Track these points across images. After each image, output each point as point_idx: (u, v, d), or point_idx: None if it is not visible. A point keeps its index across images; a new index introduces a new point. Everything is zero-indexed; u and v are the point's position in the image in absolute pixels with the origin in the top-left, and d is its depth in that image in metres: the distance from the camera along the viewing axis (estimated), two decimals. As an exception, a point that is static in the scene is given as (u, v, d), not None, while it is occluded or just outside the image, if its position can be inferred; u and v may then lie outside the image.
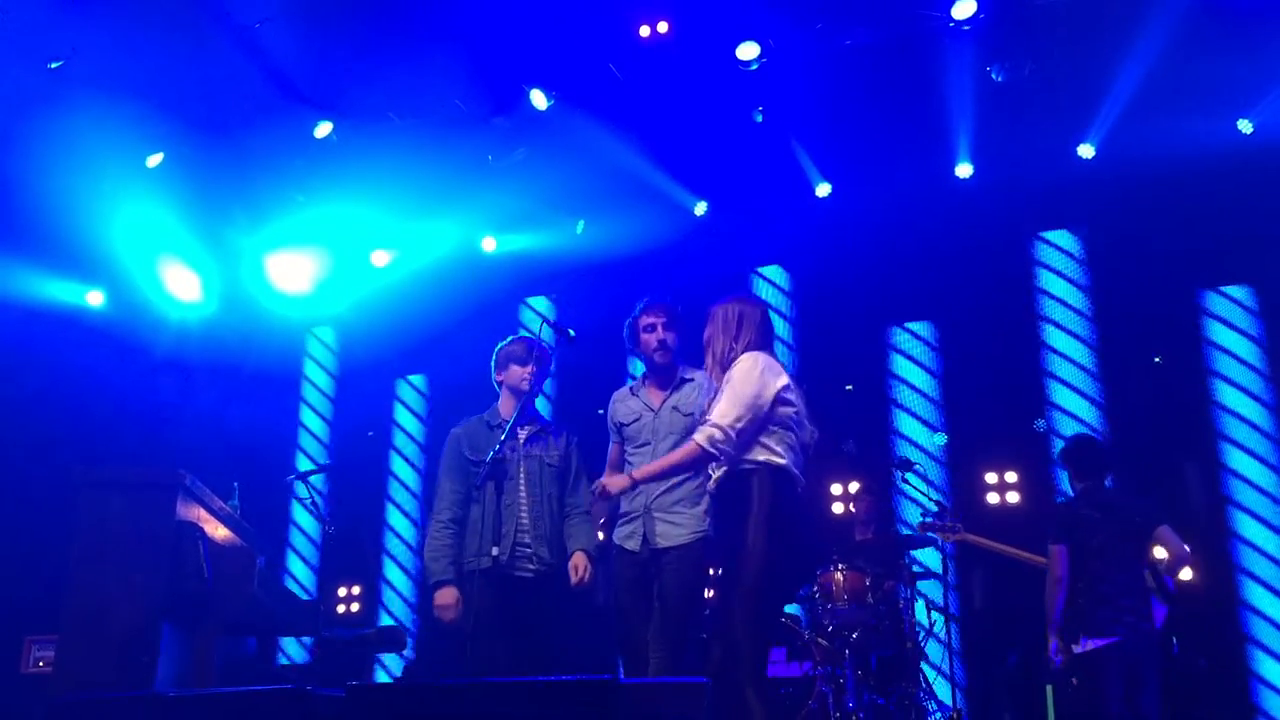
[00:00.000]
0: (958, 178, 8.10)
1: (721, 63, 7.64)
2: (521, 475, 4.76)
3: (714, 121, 8.07)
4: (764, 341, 4.14)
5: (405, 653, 8.30)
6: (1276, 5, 6.93)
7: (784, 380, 4.01)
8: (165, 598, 4.27)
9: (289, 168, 8.63)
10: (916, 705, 6.35)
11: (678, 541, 4.56)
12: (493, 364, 4.96)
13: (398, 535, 9.26)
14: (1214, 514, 7.45)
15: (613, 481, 4.19)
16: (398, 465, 9.44)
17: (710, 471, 4.06)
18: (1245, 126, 7.45)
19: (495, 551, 4.46)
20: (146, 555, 4.27)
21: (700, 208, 8.74)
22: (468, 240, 9.09)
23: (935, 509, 6.63)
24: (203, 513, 4.59)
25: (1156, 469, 7.42)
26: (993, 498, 7.97)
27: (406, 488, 9.37)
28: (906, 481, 6.72)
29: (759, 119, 7.97)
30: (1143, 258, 7.66)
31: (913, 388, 8.36)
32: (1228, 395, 7.61)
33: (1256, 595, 7.26)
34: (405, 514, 9.30)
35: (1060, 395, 7.96)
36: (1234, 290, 7.74)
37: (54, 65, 7.33)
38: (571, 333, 4.70)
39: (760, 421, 3.92)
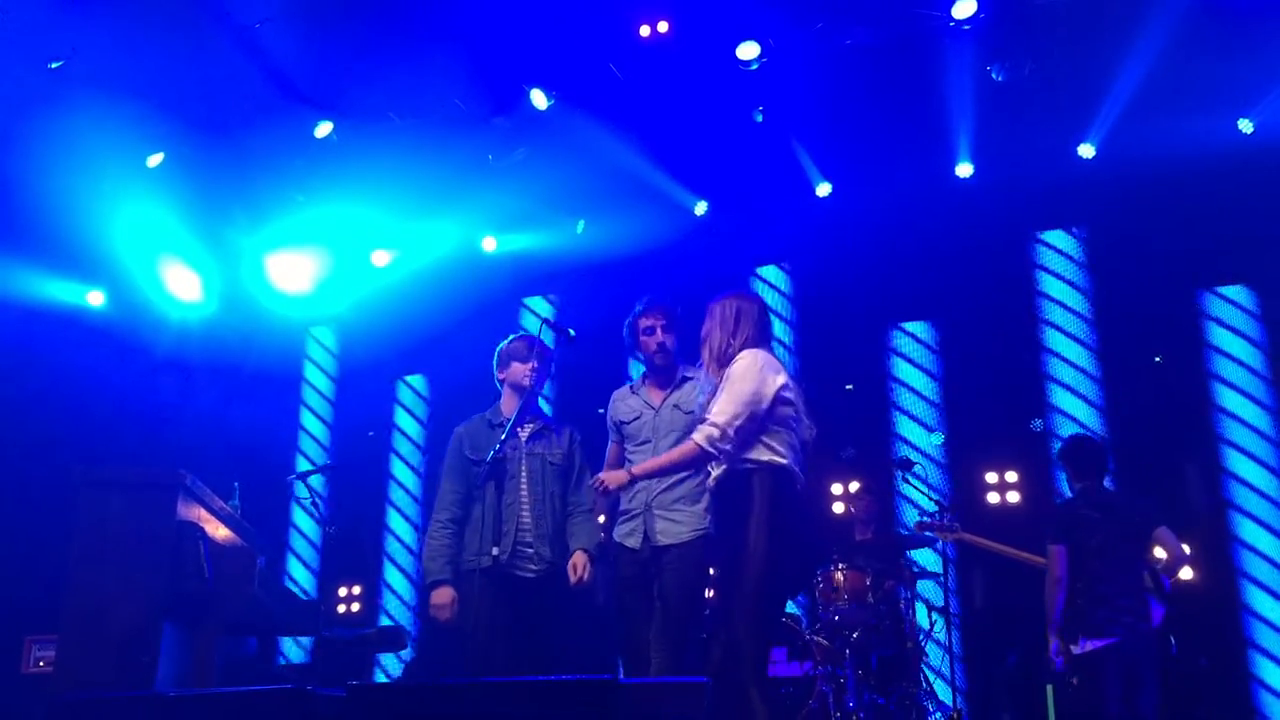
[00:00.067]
0: (958, 177, 8.11)
1: (722, 62, 7.64)
2: (523, 473, 4.75)
3: (714, 121, 8.07)
4: (762, 337, 4.14)
5: (405, 653, 8.33)
6: (1276, 5, 6.93)
7: (783, 378, 4.01)
8: (165, 598, 4.27)
9: (289, 168, 8.63)
10: (917, 705, 6.35)
11: (678, 539, 4.56)
12: (494, 363, 4.95)
13: (397, 537, 9.26)
14: (1214, 514, 7.45)
15: (612, 476, 4.20)
16: (398, 465, 9.44)
17: (710, 469, 4.06)
18: (1245, 126, 7.45)
19: (495, 551, 4.46)
20: (147, 555, 4.27)
21: (700, 207, 8.74)
22: (468, 240, 9.09)
23: (935, 509, 6.64)
24: (203, 513, 4.59)
25: (1156, 469, 7.42)
26: (993, 497, 7.97)
27: (406, 488, 9.37)
28: (907, 481, 6.72)
29: (759, 119, 7.97)
30: (1143, 257, 7.66)
31: (912, 389, 8.36)
32: (1228, 395, 7.61)
33: (1257, 595, 7.26)
34: (405, 516, 9.30)
35: (1060, 395, 7.96)
36: (1234, 290, 7.74)
37: (54, 65, 7.33)
38: (571, 332, 4.70)
39: (760, 420, 3.91)
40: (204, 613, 4.55)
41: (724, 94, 7.88)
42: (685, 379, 4.73)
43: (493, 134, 8.31)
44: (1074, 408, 7.89)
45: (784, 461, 3.92)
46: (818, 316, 8.61)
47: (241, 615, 4.85)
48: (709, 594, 4.85)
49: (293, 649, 8.65)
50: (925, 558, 7.10)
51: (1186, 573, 6.53)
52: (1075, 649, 5.22)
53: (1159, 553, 5.48)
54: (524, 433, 4.81)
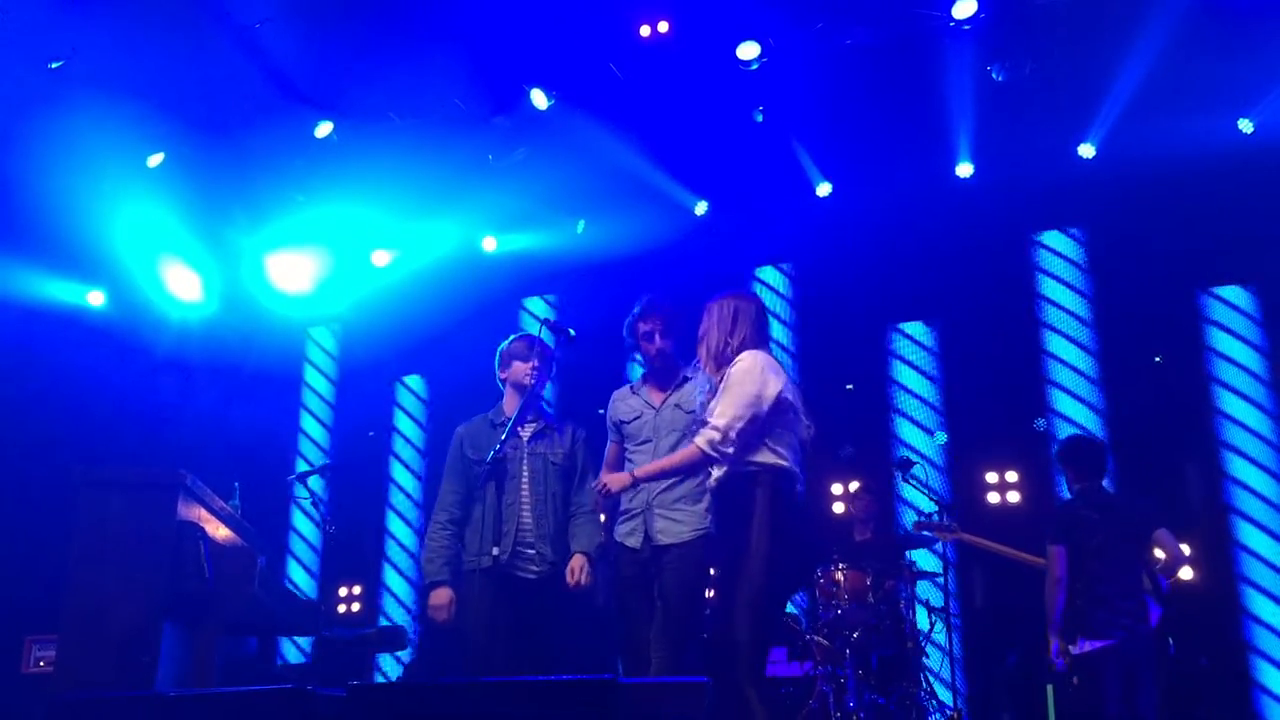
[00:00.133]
0: (958, 177, 8.11)
1: (722, 62, 7.65)
2: (525, 473, 4.73)
3: (714, 121, 8.07)
4: (760, 337, 4.13)
5: (405, 654, 8.33)
6: (1276, 5, 6.93)
7: (783, 379, 4.01)
8: (166, 597, 4.26)
9: (289, 168, 8.63)
10: (917, 705, 6.34)
11: (679, 539, 4.56)
12: (496, 363, 4.94)
13: (395, 538, 9.26)
14: (1214, 513, 7.45)
15: (614, 479, 4.20)
16: (398, 465, 9.44)
17: (710, 470, 4.06)
18: (1246, 126, 7.45)
19: (495, 551, 4.45)
20: (147, 555, 4.27)
21: (701, 207, 8.74)
22: (468, 240, 9.09)
23: (935, 509, 6.64)
24: (203, 512, 4.59)
25: (1156, 469, 7.42)
26: (993, 497, 7.97)
27: (406, 488, 9.37)
28: (906, 482, 6.72)
29: (759, 119, 7.97)
30: (1143, 257, 7.66)
31: (912, 390, 8.36)
32: (1228, 395, 7.61)
33: (1257, 594, 7.25)
34: (403, 517, 9.30)
35: (1060, 395, 7.96)
36: (1234, 290, 7.74)
37: (54, 65, 7.33)
38: (572, 332, 4.69)
39: (761, 422, 3.91)
40: (204, 613, 4.55)
41: (724, 94, 7.88)
42: (686, 379, 4.72)
43: (493, 134, 8.31)
44: (1074, 408, 7.89)
45: (785, 464, 3.92)
46: (818, 317, 8.61)
47: (241, 615, 4.84)
48: (709, 594, 4.85)
49: (291, 651, 8.65)
50: (925, 559, 7.10)
51: (1186, 573, 6.54)
52: (1074, 649, 5.21)
53: (1158, 553, 5.48)
54: (526, 432, 4.80)
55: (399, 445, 9.49)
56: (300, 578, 9.17)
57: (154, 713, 3.35)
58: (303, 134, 8.30)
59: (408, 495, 9.33)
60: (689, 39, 7.62)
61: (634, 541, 4.65)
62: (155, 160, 8.27)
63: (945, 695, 6.72)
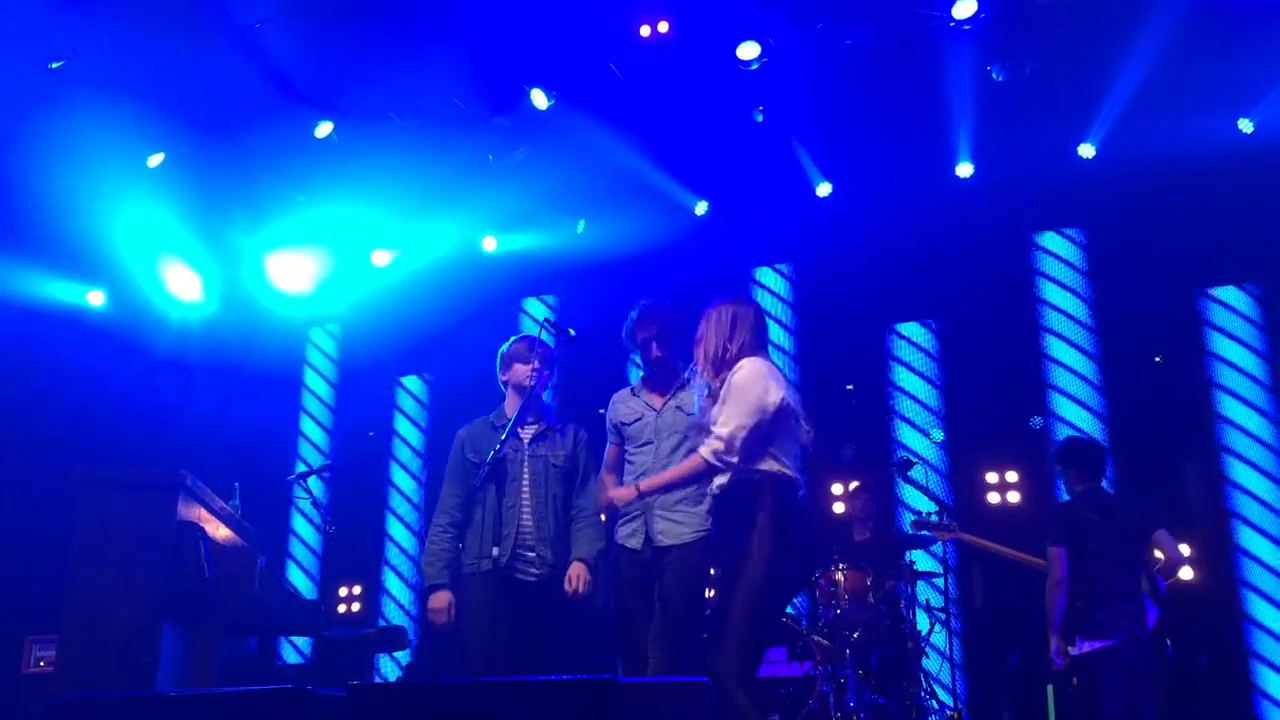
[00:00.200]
0: (958, 177, 8.11)
1: (722, 62, 7.65)
2: (525, 475, 4.72)
3: (714, 121, 8.07)
4: (758, 342, 4.12)
5: (404, 657, 8.33)
6: (1276, 5, 6.93)
7: (785, 385, 4.00)
8: (166, 598, 4.27)
9: (289, 168, 8.63)
10: (917, 705, 6.34)
11: (680, 540, 4.56)
12: (498, 365, 4.94)
13: (395, 542, 9.25)
14: (1214, 513, 7.44)
15: (618, 494, 4.21)
16: (398, 465, 9.44)
17: (713, 477, 4.05)
18: (1246, 126, 7.45)
19: (495, 552, 4.45)
20: (147, 555, 4.27)
21: (701, 207, 8.74)
22: (468, 240, 9.09)
23: (934, 508, 6.63)
24: (204, 512, 4.59)
25: (1156, 469, 7.42)
26: (993, 497, 7.97)
27: (406, 489, 9.37)
28: (906, 482, 6.72)
29: (759, 119, 7.97)
30: (1143, 257, 7.66)
31: (910, 391, 8.35)
32: (1228, 395, 7.60)
33: (1257, 593, 7.25)
34: (403, 517, 9.29)
35: (1060, 395, 7.96)
36: (1234, 290, 7.74)
37: (54, 65, 7.33)
38: (572, 332, 4.68)
39: (765, 430, 3.90)
40: (204, 613, 4.55)
41: (724, 94, 7.88)
42: (686, 381, 4.71)
43: (493, 134, 8.31)
44: (1073, 407, 7.89)
45: (788, 471, 3.92)
46: (818, 317, 8.61)
47: (241, 615, 4.84)
48: (709, 594, 4.84)
49: (289, 652, 8.65)
50: (925, 561, 7.10)
51: (1186, 573, 6.53)
52: (1074, 650, 5.22)
53: (1157, 554, 5.48)
54: (526, 434, 4.79)
55: (401, 441, 9.49)
56: (300, 578, 9.17)
57: (154, 713, 3.35)
58: (303, 134, 8.30)
59: (410, 490, 9.33)
60: (689, 39, 7.62)
61: (635, 543, 4.64)
62: (155, 160, 8.27)
63: (945, 695, 6.72)
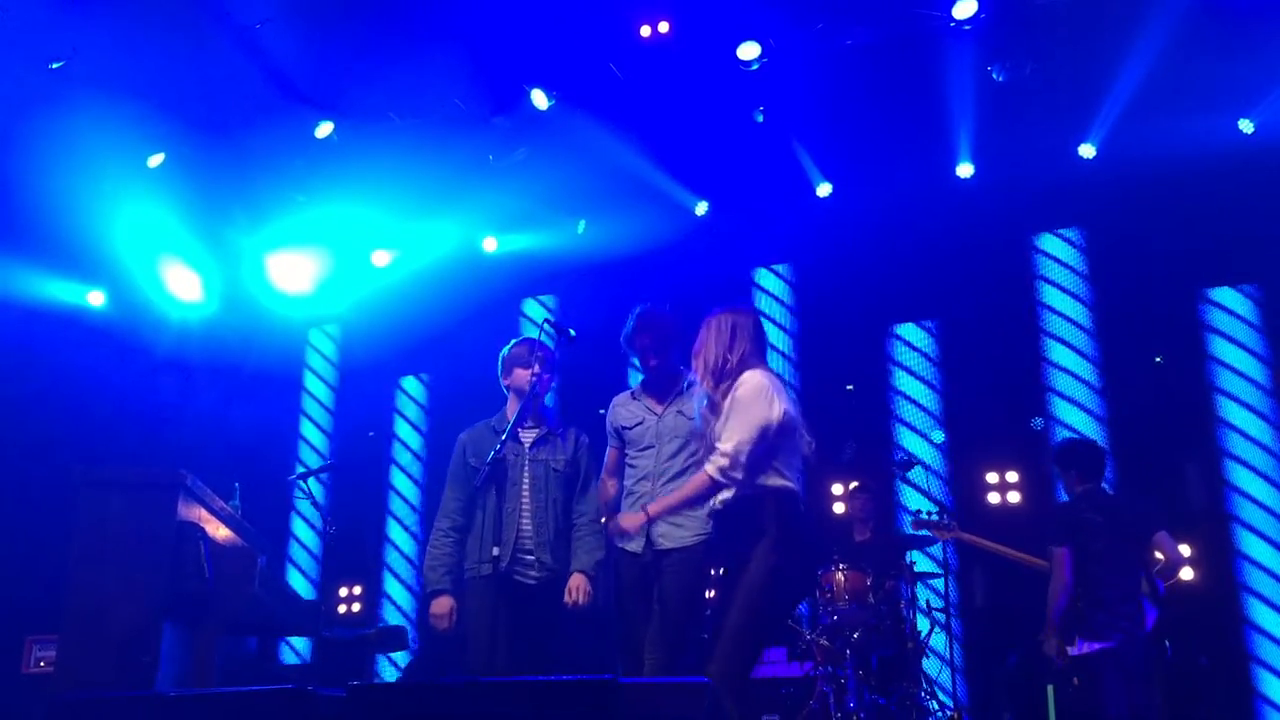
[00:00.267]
0: (958, 178, 8.11)
1: (722, 63, 7.65)
2: (525, 479, 4.72)
3: (715, 121, 8.07)
4: (758, 351, 4.11)
5: (404, 660, 8.32)
6: (1276, 5, 6.93)
7: (787, 398, 4.00)
8: (166, 598, 4.27)
9: (289, 168, 8.63)
10: (917, 705, 6.34)
11: (680, 543, 4.55)
12: (499, 369, 4.93)
13: (394, 545, 9.25)
14: (1214, 514, 7.44)
15: (627, 521, 4.18)
16: (398, 465, 9.43)
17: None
18: (1246, 126, 7.45)
19: (495, 552, 4.45)
20: (147, 555, 4.28)
21: (701, 208, 8.74)
22: (468, 240, 9.09)
23: (934, 508, 6.63)
24: (204, 513, 4.59)
25: (1157, 469, 7.42)
26: (993, 497, 7.97)
27: (405, 491, 9.36)
28: (906, 482, 6.72)
29: (760, 119, 7.97)
30: (1143, 258, 7.66)
31: (911, 392, 8.35)
32: (1229, 395, 7.60)
33: (1257, 594, 7.25)
34: (402, 520, 9.29)
35: (1061, 395, 7.96)
36: (1235, 290, 7.74)
37: (55, 65, 7.33)
38: (572, 333, 4.68)
39: (769, 444, 3.90)
40: (204, 613, 4.55)
41: (724, 94, 7.88)
42: (687, 385, 4.70)
43: (493, 134, 8.31)
44: (1074, 408, 7.88)
45: (790, 485, 3.92)
46: (818, 317, 8.61)
47: (241, 615, 4.84)
48: (710, 594, 4.84)
49: (287, 653, 8.65)
50: (925, 563, 7.09)
51: (1186, 573, 6.53)
52: (1073, 650, 5.23)
53: (1157, 555, 5.48)
54: (528, 438, 4.79)
55: (401, 441, 9.49)
56: (300, 578, 9.16)
57: (154, 713, 3.35)
58: (303, 134, 8.30)
59: (410, 491, 9.32)
60: (689, 39, 7.62)
61: (635, 546, 4.64)
62: (155, 160, 8.27)
63: (944, 696, 6.71)
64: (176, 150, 8.28)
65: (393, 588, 9.12)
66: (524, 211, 8.87)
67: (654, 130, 8.13)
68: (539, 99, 7.93)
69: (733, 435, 3.88)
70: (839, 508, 8.12)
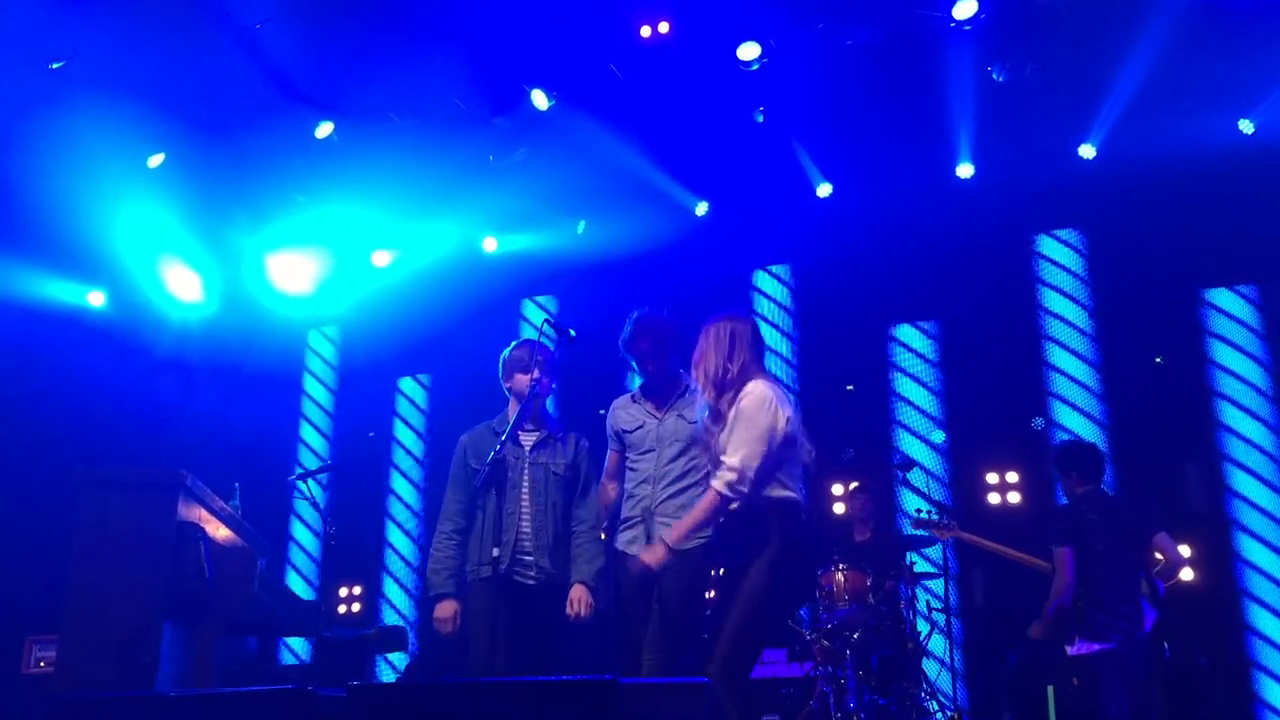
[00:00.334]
0: (959, 178, 8.11)
1: (722, 63, 7.65)
2: (525, 482, 4.72)
3: (715, 121, 8.07)
4: (757, 358, 4.12)
5: (403, 661, 8.31)
6: (1276, 5, 6.93)
7: (789, 408, 4.00)
8: (166, 598, 4.27)
9: (289, 168, 8.63)
10: (917, 705, 6.34)
11: (681, 545, 4.54)
12: (500, 372, 4.93)
13: (393, 548, 9.24)
14: (1215, 514, 7.44)
15: (652, 556, 4.13)
16: (398, 466, 9.43)
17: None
18: (1246, 126, 7.45)
19: (495, 554, 4.45)
20: (147, 555, 4.28)
21: (701, 208, 8.74)
22: (468, 240, 9.09)
23: (934, 508, 6.63)
24: (204, 513, 4.59)
25: (1157, 469, 7.42)
26: (994, 498, 7.97)
27: (404, 494, 9.36)
28: (906, 482, 6.73)
29: (760, 119, 7.97)
30: (1143, 258, 7.66)
31: (911, 392, 8.35)
32: (1229, 395, 7.60)
33: (1257, 594, 7.25)
34: (401, 521, 9.28)
35: (1061, 396, 7.95)
36: (1235, 290, 7.74)
37: (55, 66, 7.33)
38: (572, 333, 4.67)
39: (774, 455, 3.90)
40: (204, 613, 4.55)
41: (724, 94, 7.88)
42: (688, 388, 4.69)
43: (493, 134, 8.31)
44: (1074, 408, 7.88)
45: (793, 495, 3.93)
46: (818, 317, 8.61)
47: (241, 615, 4.84)
48: (710, 595, 4.84)
49: (285, 654, 8.65)
50: (925, 565, 7.09)
51: (1186, 574, 6.53)
52: (1072, 650, 5.24)
53: (1157, 556, 5.49)
54: (528, 441, 4.79)
55: (401, 442, 9.48)
56: (300, 578, 9.16)
57: (154, 713, 3.35)
58: (303, 134, 8.30)
59: (409, 493, 9.32)
60: (689, 39, 7.62)
61: (636, 549, 4.63)
62: (155, 160, 8.27)
63: (944, 696, 6.71)
64: (176, 150, 8.28)
65: (391, 589, 9.11)
66: (524, 212, 8.87)
67: (654, 130, 8.13)
68: (539, 99, 7.93)
69: (739, 449, 3.88)
70: (839, 508, 8.12)
